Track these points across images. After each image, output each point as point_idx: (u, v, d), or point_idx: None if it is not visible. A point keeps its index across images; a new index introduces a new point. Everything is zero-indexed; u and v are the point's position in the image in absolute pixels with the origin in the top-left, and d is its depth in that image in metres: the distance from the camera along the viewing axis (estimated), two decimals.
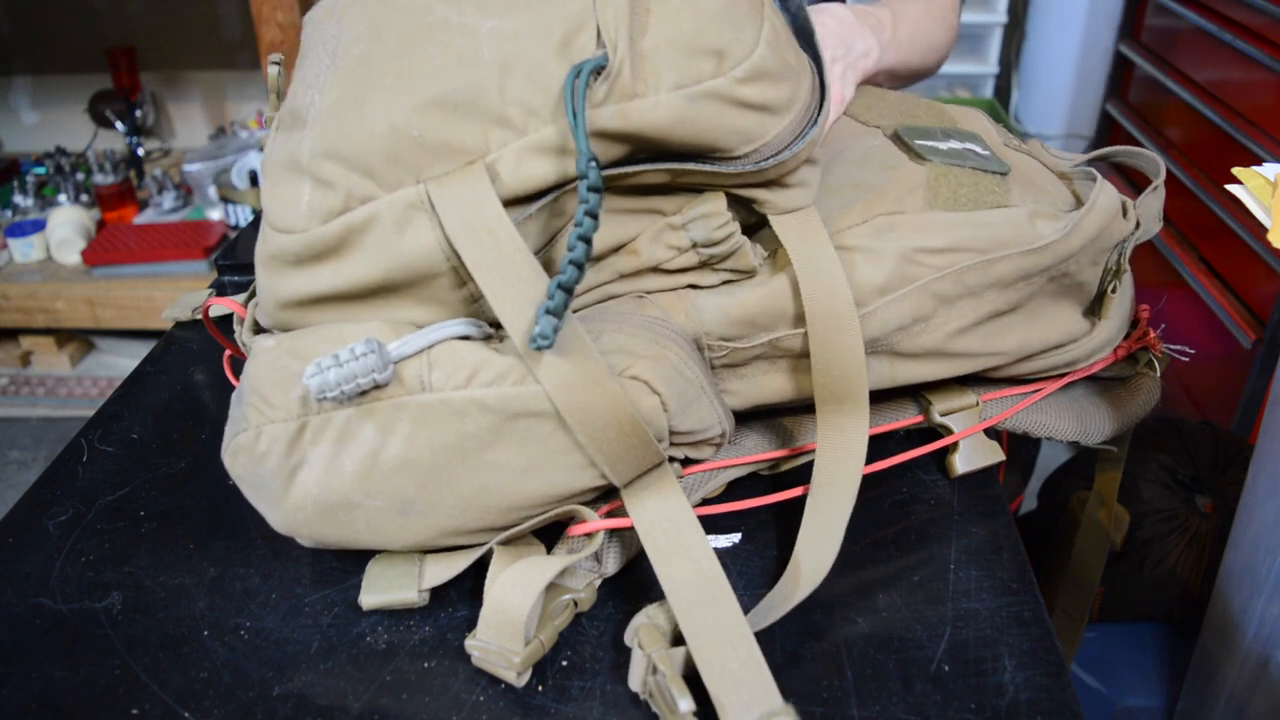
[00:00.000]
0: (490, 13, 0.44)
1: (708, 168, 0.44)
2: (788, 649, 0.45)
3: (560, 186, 0.44)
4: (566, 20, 0.43)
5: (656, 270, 0.48)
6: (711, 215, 0.46)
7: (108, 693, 0.44)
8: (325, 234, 0.44)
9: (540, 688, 0.44)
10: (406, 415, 0.43)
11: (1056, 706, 0.41)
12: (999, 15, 1.96)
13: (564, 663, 0.45)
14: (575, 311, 0.48)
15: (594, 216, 0.40)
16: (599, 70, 0.42)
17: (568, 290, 0.40)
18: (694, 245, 0.47)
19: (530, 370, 0.42)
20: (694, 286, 0.49)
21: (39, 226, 1.84)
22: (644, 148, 0.44)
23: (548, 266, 0.47)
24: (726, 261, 0.48)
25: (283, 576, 0.50)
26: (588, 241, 0.40)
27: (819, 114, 0.46)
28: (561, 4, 0.44)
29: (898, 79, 0.73)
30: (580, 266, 0.40)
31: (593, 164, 0.40)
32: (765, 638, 0.45)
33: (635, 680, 0.42)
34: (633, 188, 0.46)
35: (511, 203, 0.43)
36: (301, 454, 0.44)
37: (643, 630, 0.42)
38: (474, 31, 0.44)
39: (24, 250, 1.83)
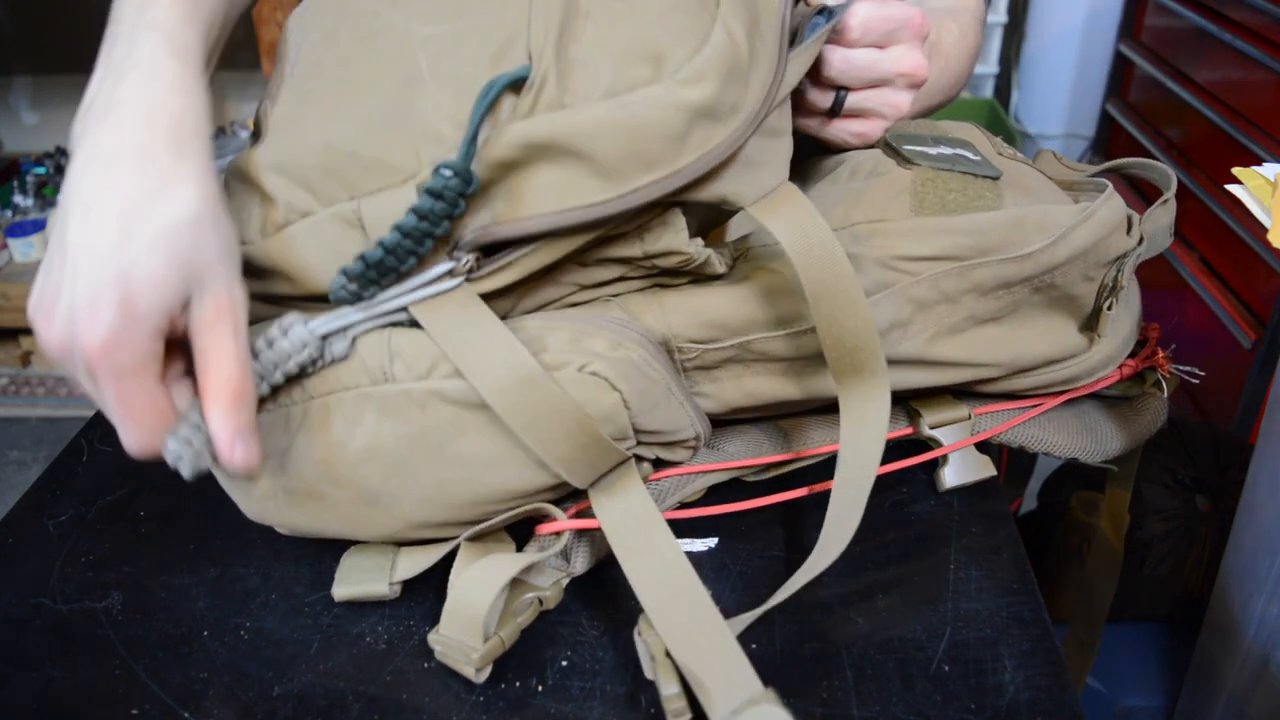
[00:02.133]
0: (433, 19, 0.44)
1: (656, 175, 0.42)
2: (788, 649, 0.45)
3: None
4: (501, 31, 0.42)
5: (622, 279, 0.48)
6: (674, 252, 0.45)
7: (108, 693, 0.44)
8: (269, 248, 0.44)
9: (540, 688, 0.44)
10: (371, 406, 0.43)
11: (1056, 706, 0.41)
12: (999, 15, 1.96)
13: (564, 663, 0.45)
14: (537, 310, 0.48)
15: (419, 216, 0.40)
16: (521, 82, 0.41)
17: (365, 263, 0.41)
18: (657, 268, 0.47)
19: (467, 379, 0.42)
20: (662, 286, 0.48)
21: (39, 226, 1.84)
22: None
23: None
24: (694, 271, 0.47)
25: (283, 576, 0.50)
26: (401, 232, 0.41)
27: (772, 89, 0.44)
28: (499, 13, 0.43)
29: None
30: (390, 250, 0.41)
31: (443, 171, 0.39)
32: (765, 638, 0.45)
33: (647, 670, 0.42)
34: None
35: None
36: (270, 444, 0.44)
37: (642, 619, 0.43)
38: (413, 40, 0.43)
39: (24, 250, 1.83)
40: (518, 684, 0.44)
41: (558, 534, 0.46)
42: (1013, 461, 0.75)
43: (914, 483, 0.54)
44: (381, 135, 0.42)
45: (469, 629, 0.43)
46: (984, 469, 0.53)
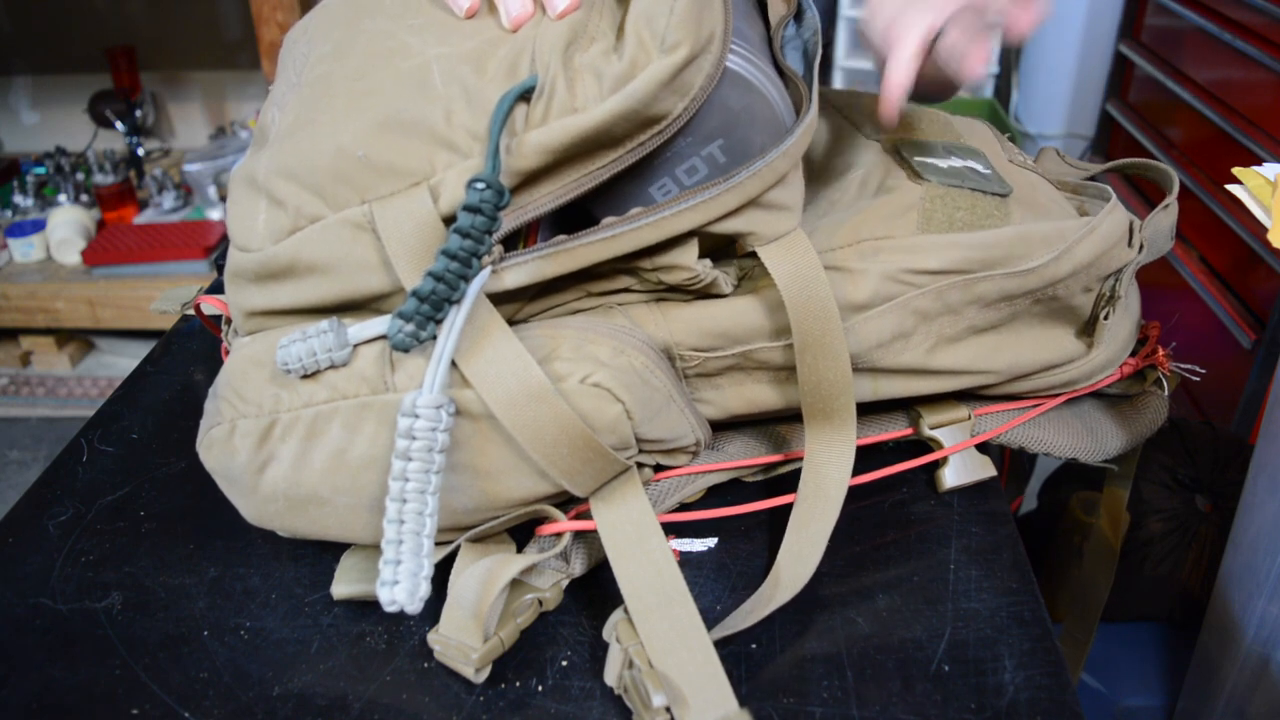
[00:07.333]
0: (447, 40, 0.45)
1: (687, 204, 0.43)
2: (788, 649, 0.45)
3: None
4: (513, 48, 0.44)
5: (628, 290, 0.48)
6: (681, 267, 0.45)
7: (108, 693, 0.44)
8: (278, 253, 0.44)
9: (540, 688, 0.44)
10: (372, 415, 0.43)
11: (1056, 706, 0.41)
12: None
13: (564, 663, 0.45)
14: (538, 316, 0.48)
15: (462, 235, 0.40)
16: (530, 91, 0.42)
17: (419, 297, 0.40)
18: (663, 283, 0.47)
19: (475, 390, 0.42)
20: (664, 299, 0.48)
21: (39, 226, 1.84)
22: (593, 148, 0.43)
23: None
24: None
25: (283, 576, 0.50)
26: (449, 256, 0.40)
27: (797, 124, 0.45)
28: (510, 35, 0.44)
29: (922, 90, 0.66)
30: (440, 278, 0.40)
31: (476, 185, 0.40)
32: (765, 638, 0.45)
33: (611, 674, 0.42)
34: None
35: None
36: (271, 450, 0.44)
37: (620, 625, 0.43)
38: (427, 55, 0.44)
39: (24, 250, 1.83)
40: (518, 684, 0.44)
41: (558, 535, 0.46)
42: (1013, 461, 0.75)
43: (914, 483, 0.54)
44: (394, 140, 0.43)
45: (468, 629, 0.43)
46: (984, 469, 0.53)
